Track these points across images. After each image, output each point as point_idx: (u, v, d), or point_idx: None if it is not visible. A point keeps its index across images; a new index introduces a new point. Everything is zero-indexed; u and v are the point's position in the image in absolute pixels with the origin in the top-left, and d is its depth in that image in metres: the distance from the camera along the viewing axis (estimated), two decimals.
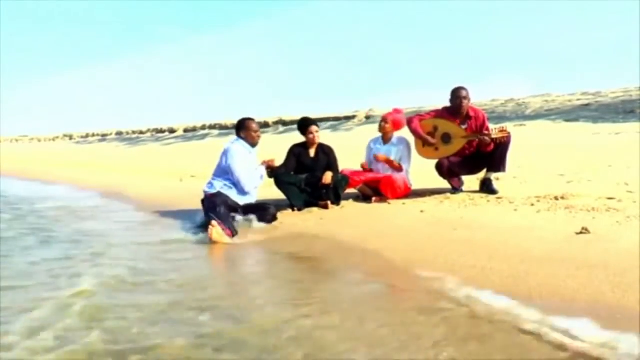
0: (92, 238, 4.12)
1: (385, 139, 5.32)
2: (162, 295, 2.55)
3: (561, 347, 1.77)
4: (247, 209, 4.43)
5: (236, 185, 4.44)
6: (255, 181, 4.58)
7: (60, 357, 1.83)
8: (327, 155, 5.10)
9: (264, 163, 4.68)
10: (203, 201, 4.40)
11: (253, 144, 4.62)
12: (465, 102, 4.90)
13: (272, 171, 4.77)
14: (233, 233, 3.90)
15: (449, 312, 2.17)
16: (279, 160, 4.94)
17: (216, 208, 4.09)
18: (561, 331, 1.88)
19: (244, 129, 4.60)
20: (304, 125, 5.13)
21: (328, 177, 4.80)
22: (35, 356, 1.84)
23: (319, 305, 2.35)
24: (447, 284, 2.52)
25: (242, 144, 4.57)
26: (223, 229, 3.80)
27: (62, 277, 2.89)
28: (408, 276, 2.76)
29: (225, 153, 4.51)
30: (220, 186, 4.42)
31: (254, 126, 4.63)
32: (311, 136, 5.04)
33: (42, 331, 2.05)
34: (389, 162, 5.13)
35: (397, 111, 5.35)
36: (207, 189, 4.48)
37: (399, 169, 5.12)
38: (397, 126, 5.28)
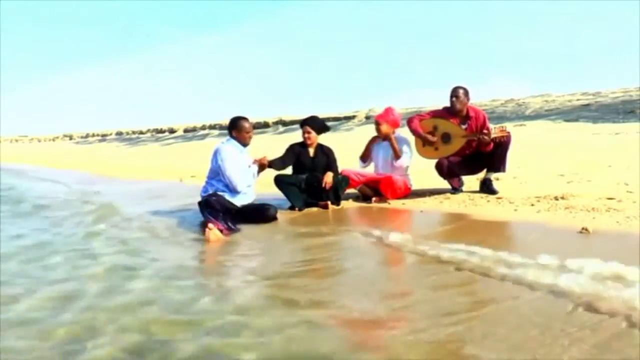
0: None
1: (385, 139, 5.30)
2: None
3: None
4: (246, 209, 4.42)
5: (228, 185, 4.43)
6: (248, 180, 4.54)
7: None
8: (326, 156, 5.08)
9: (255, 162, 4.64)
10: (200, 203, 4.38)
11: (244, 144, 4.59)
12: (456, 100, 4.87)
13: (269, 165, 4.74)
14: (231, 230, 3.93)
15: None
16: (271, 157, 4.84)
17: (212, 209, 4.11)
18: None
19: (235, 128, 4.54)
20: (301, 124, 5.14)
21: (329, 177, 4.79)
22: None
23: (317, 301, 2.34)
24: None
25: (234, 144, 4.53)
26: (220, 229, 3.83)
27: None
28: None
29: (215, 154, 4.48)
30: (213, 188, 4.41)
31: (247, 126, 4.55)
32: (304, 136, 5.06)
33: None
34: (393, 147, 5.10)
35: (387, 111, 5.32)
36: (202, 193, 4.48)
37: (398, 155, 5.09)
38: (394, 125, 5.26)
